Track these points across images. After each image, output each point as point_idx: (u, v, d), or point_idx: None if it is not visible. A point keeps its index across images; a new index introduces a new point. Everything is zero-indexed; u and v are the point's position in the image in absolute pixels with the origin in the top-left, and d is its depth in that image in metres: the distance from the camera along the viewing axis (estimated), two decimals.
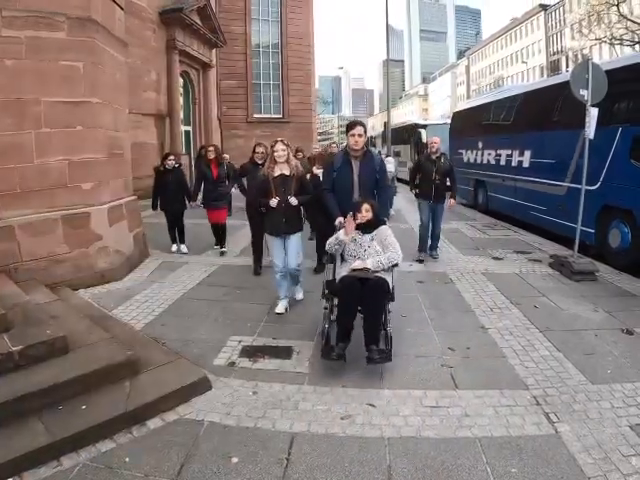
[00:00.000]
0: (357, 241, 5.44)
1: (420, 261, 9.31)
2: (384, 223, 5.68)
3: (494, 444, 3.69)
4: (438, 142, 9.65)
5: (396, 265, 5.36)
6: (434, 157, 9.54)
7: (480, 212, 16.32)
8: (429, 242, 9.79)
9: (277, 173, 6.34)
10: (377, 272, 5.16)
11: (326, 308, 5.25)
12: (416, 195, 10.00)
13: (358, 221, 5.41)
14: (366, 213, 5.44)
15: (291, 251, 6.41)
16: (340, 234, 5.44)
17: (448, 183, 9.71)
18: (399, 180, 19.40)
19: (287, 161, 6.36)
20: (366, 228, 5.47)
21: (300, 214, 6.70)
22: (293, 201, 6.28)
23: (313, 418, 4.03)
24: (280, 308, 6.50)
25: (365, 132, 6.21)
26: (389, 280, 5.15)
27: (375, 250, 5.36)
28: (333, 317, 5.18)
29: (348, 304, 4.89)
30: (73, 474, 3.35)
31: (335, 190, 6.22)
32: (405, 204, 16.86)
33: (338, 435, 3.80)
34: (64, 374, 4.12)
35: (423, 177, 9.69)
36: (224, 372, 4.83)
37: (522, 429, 3.89)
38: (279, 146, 6.30)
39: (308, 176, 7.26)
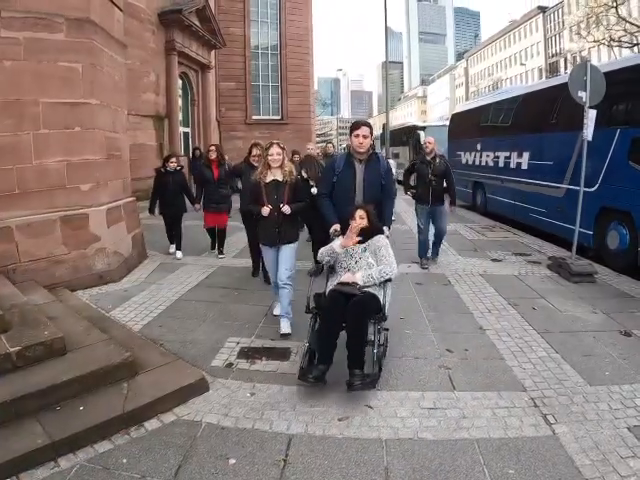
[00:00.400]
0: (348, 251, 5.01)
1: (424, 268, 9.01)
2: (381, 232, 5.19)
3: (492, 445, 3.68)
4: (433, 142, 9.26)
5: (389, 280, 4.87)
6: (429, 158, 9.18)
7: (479, 214, 16.34)
8: (430, 245, 9.44)
9: (269, 179, 5.85)
10: (367, 287, 4.74)
11: (310, 325, 4.75)
12: (414, 197, 9.56)
13: (355, 237, 4.95)
14: (360, 220, 4.96)
15: (283, 262, 5.89)
16: (335, 245, 5.02)
17: (445, 185, 9.29)
18: (399, 182, 19.39)
19: (281, 166, 5.84)
20: (360, 237, 5.00)
21: (295, 223, 6.20)
22: (286, 210, 5.73)
23: (310, 419, 4.02)
24: (278, 310, 6.18)
25: (371, 133, 5.60)
26: (380, 296, 4.70)
27: (367, 262, 4.94)
28: None
29: (329, 321, 4.48)
30: (70, 475, 3.34)
31: (335, 195, 5.65)
32: (405, 206, 16.87)
33: (336, 436, 3.79)
34: (62, 375, 4.11)
35: (419, 180, 9.33)
36: (222, 373, 4.83)
37: (520, 431, 3.88)
38: (274, 149, 5.78)
39: None
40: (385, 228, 5.38)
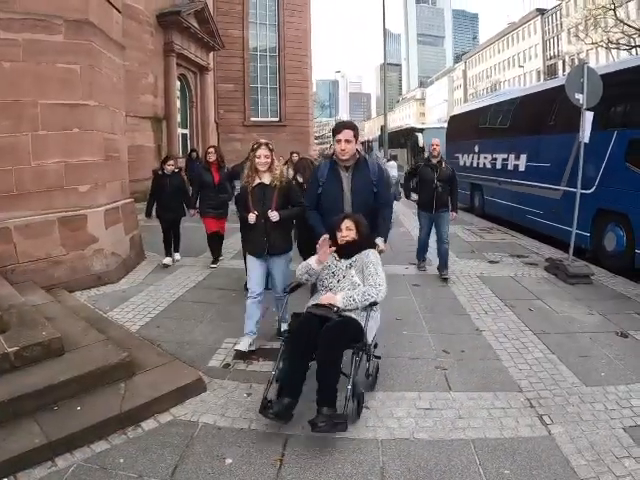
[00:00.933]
0: (330, 268, 4.41)
1: (421, 270, 8.82)
2: (372, 246, 4.55)
3: (487, 446, 3.70)
4: (440, 145, 8.68)
5: (375, 304, 4.17)
6: (435, 161, 8.57)
7: (477, 216, 16.36)
8: (438, 260, 8.63)
9: (256, 182, 5.25)
10: (349, 311, 4.12)
11: (281, 349, 4.13)
12: (417, 203, 9.01)
13: (328, 251, 4.35)
14: (347, 232, 4.37)
15: (277, 277, 5.38)
16: (312, 260, 4.44)
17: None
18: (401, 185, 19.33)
19: (270, 169, 5.24)
20: (345, 251, 4.41)
21: (287, 231, 5.60)
22: (273, 216, 5.10)
23: (307, 420, 4.02)
24: (243, 345, 5.24)
25: (356, 136, 4.84)
26: (362, 321, 4.06)
27: (351, 281, 4.29)
28: None
29: (297, 348, 3.91)
30: (67, 474, 3.35)
31: (322, 208, 5.00)
32: (403, 208, 16.86)
33: (331, 436, 3.79)
34: (59, 375, 4.12)
35: (422, 184, 8.68)
36: (219, 374, 4.84)
37: (515, 431, 3.90)
38: (262, 151, 5.16)
39: None
40: (380, 240, 4.79)
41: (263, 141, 5.30)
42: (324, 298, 4.21)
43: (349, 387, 3.74)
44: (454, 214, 8.95)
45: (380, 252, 4.63)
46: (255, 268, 5.35)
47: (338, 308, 4.08)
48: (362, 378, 4.26)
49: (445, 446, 3.70)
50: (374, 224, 4.82)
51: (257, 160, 5.17)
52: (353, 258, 4.38)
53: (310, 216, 5.09)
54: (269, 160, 5.20)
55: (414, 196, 9.19)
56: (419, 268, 9.00)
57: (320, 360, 3.81)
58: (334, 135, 4.87)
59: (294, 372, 3.85)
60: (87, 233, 7.64)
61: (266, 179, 5.24)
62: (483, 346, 5.57)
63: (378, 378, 4.60)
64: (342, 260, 4.42)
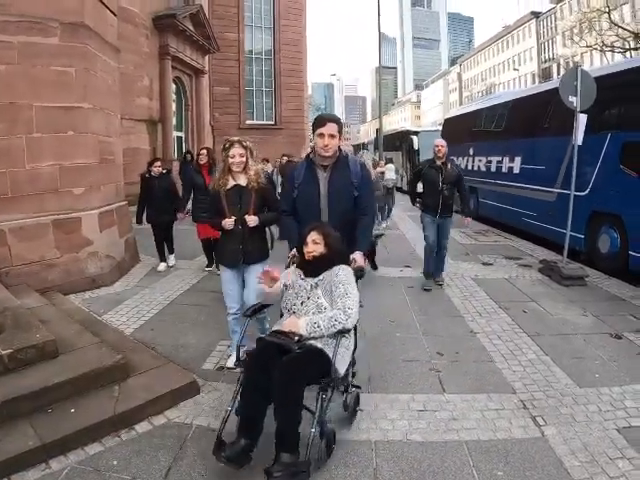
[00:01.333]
0: (294, 287, 3.81)
1: (427, 290, 7.86)
2: (345, 262, 3.89)
3: (481, 447, 3.70)
4: (445, 145, 8.11)
5: (345, 331, 3.53)
6: (439, 162, 8.07)
7: (471, 218, 16.33)
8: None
9: (230, 185, 4.82)
10: (314, 339, 3.53)
11: (239, 382, 3.51)
12: (420, 208, 8.47)
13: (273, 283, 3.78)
14: (314, 247, 3.76)
15: (251, 286, 4.77)
16: (264, 285, 3.85)
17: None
18: (397, 189, 19.28)
19: (245, 169, 4.81)
20: (312, 268, 3.82)
21: (264, 237, 5.07)
22: (251, 221, 4.71)
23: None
24: (232, 362, 4.78)
25: (340, 131, 4.23)
26: (329, 353, 3.45)
27: (317, 304, 3.67)
28: None
29: (251, 382, 3.36)
30: (61, 477, 3.35)
31: (297, 213, 4.45)
32: (399, 212, 16.85)
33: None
34: (54, 378, 4.12)
35: (427, 187, 8.20)
36: (213, 376, 4.84)
37: (509, 432, 3.90)
38: (236, 150, 4.72)
39: None
40: (358, 255, 4.16)
41: (235, 139, 4.87)
42: (286, 324, 3.65)
43: (312, 430, 3.20)
44: (468, 220, 8.96)
45: (357, 269, 3.99)
46: (230, 281, 4.93)
47: (301, 336, 3.52)
48: (338, 409, 3.90)
49: (438, 448, 3.70)
50: (354, 235, 4.30)
51: (231, 160, 4.73)
52: (320, 276, 3.77)
53: (284, 223, 4.61)
54: (244, 159, 4.77)
55: (419, 201, 8.69)
56: (424, 287, 7.97)
57: (276, 400, 3.25)
58: (316, 129, 4.22)
59: (250, 410, 3.36)
60: (81, 236, 7.63)
61: (242, 180, 4.82)
62: (477, 348, 5.58)
63: (357, 412, 4.09)
64: (307, 278, 3.82)
